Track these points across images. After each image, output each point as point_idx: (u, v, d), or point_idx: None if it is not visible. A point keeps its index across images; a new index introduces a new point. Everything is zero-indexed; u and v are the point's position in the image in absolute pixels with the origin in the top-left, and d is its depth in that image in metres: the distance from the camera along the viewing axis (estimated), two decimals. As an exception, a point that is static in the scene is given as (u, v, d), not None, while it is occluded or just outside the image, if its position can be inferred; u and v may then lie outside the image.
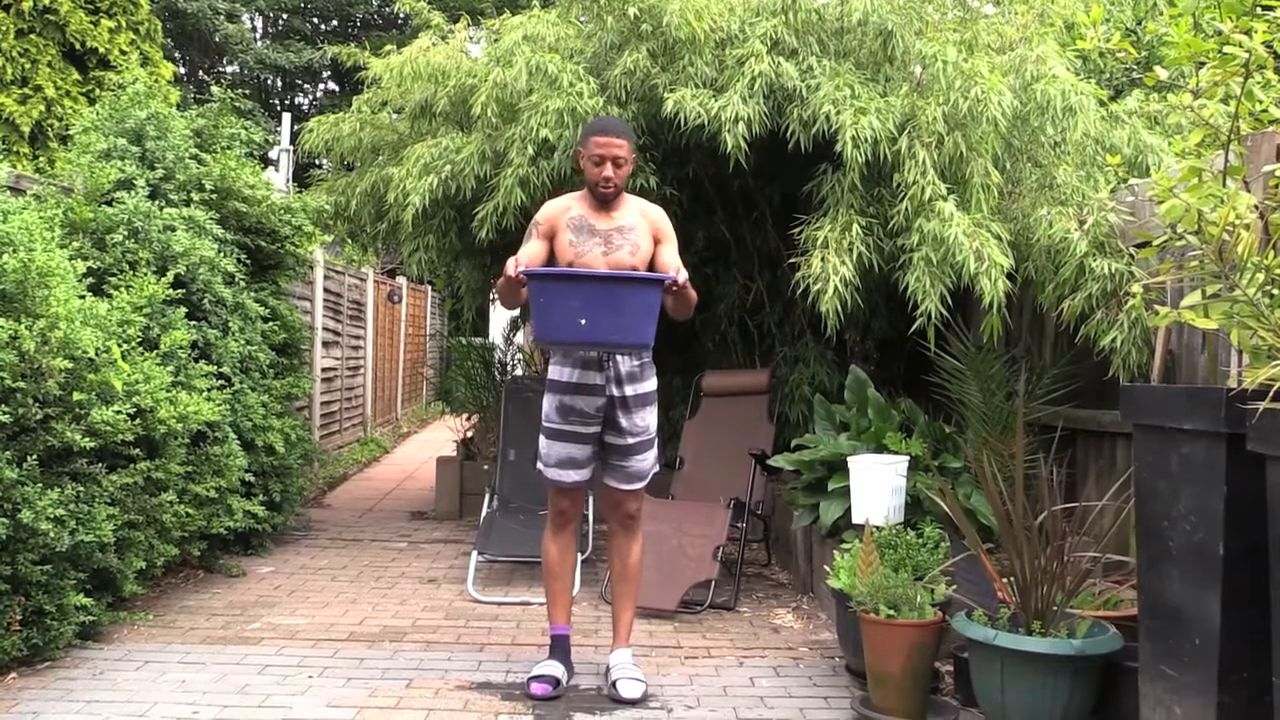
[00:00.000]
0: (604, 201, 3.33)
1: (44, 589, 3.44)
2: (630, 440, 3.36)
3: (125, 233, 4.32)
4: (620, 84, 4.58)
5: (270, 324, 5.32)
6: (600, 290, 2.98)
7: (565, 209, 3.37)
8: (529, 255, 3.29)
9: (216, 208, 4.94)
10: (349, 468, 8.77)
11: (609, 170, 3.27)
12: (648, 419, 3.39)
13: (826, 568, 3.68)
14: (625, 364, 3.34)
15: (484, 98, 4.68)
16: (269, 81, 22.05)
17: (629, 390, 3.33)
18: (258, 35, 21.74)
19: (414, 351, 13.81)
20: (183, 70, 18.98)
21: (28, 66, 7.50)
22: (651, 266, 3.34)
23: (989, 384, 4.13)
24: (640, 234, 3.34)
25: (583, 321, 2.94)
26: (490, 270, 6.50)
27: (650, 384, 3.40)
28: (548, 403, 3.38)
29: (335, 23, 22.58)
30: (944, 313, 3.84)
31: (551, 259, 3.36)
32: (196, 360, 4.43)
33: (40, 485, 3.35)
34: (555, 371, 3.37)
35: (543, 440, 3.40)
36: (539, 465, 3.42)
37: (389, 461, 9.83)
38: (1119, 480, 3.44)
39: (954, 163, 4.02)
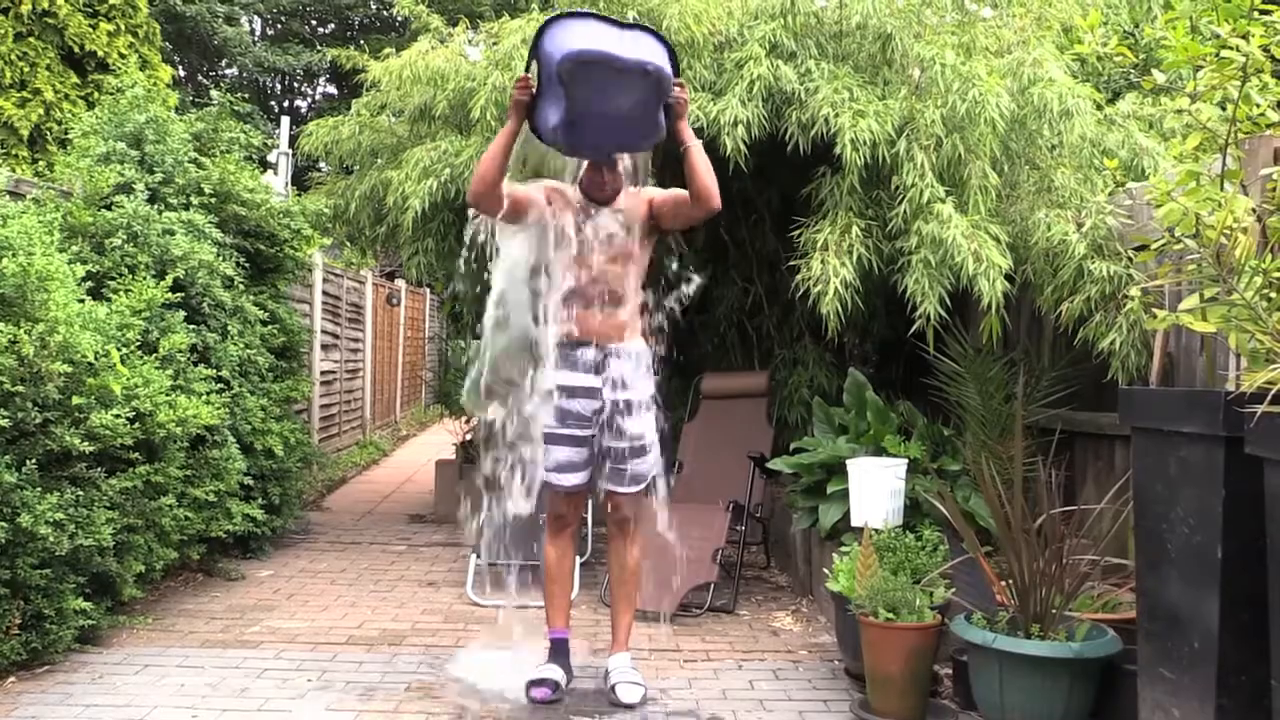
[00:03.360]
0: (603, 204, 3.36)
1: (43, 593, 3.45)
2: (628, 444, 3.36)
3: (124, 236, 4.33)
4: (619, 87, 4.58)
5: (269, 327, 5.32)
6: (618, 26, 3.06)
7: (569, 194, 3.41)
8: (524, 188, 3.33)
9: (215, 211, 4.94)
10: (348, 470, 8.76)
11: (604, 181, 3.33)
12: (646, 422, 3.40)
13: (825, 570, 3.68)
14: (623, 366, 3.34)
15: (483, 101, 4.68)
16: (267, 84, 22.06)
17: (626, 394, 3.34)
18: (256, 38, 21.75)
19: (413, 354, 13.81)
20: (181, 73, 18.98)
21: (26, 70, 7.50)
22: (652, 218, 3.38)
23: (988, 386, 4.13)
24: (632, 212, 3.37)
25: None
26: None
27: (648, 388, 3.41)
28: (546, 406, 3.38)
29: (333, 25, 22.60)
30: (943, 315, 3.85)
31: (543, 240, 3.39)
32: (195, 364, 4.43)
33: (39, 489, 3.35)
34: (553, 375, 3.37)
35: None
36: (538, 468, 3.42)
37: (388, 464, 9.82)
38: (1118, 483, 3.44)
39: (952, 165, 4.03)
